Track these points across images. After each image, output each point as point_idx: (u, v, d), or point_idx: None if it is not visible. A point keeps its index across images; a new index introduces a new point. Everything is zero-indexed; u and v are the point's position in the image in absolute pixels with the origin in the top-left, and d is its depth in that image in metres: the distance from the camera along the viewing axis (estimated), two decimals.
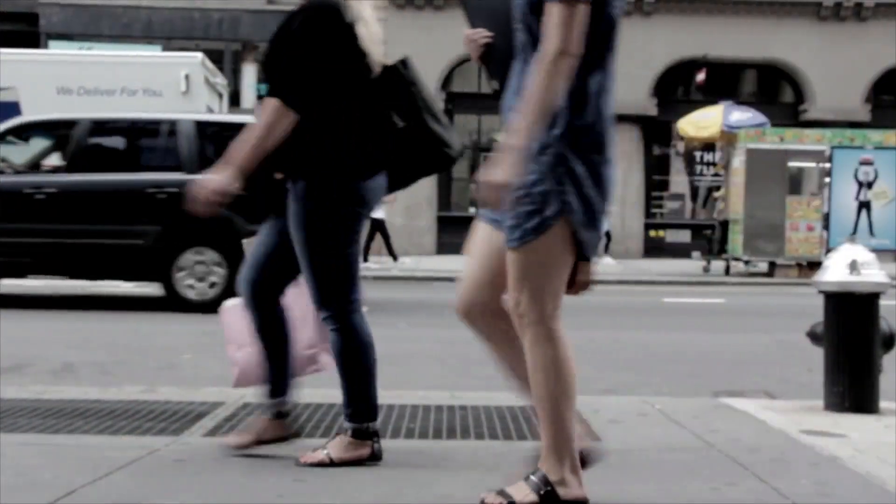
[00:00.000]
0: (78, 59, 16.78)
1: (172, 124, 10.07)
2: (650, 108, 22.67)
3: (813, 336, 4.60)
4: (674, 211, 23.72)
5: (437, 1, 22.28)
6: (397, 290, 13.25)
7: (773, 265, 16.84)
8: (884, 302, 4.51)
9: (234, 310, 3.68)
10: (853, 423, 4.18)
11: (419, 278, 16.11)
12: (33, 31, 22.20)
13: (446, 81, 22.78)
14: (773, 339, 8.24)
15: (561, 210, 2.73)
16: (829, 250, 13.24)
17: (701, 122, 18.62)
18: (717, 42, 22.34)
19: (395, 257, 18.36)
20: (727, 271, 17.32)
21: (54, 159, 11.00)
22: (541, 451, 2.85)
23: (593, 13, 2.70)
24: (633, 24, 22.58)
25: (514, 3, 2.83)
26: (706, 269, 17.67)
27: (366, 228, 4.12)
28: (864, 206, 16.75)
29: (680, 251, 22.17)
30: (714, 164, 22.44)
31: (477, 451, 3.66)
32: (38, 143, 11.13)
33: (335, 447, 3.38)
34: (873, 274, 4.40)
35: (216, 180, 3.29)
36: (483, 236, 3.03)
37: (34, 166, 10.72)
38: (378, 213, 18.63)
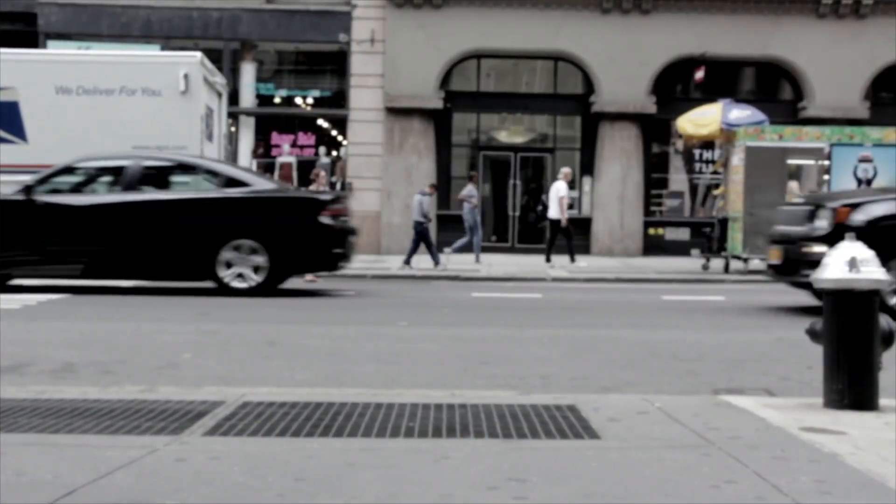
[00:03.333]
0: (77, 58, 16.75)
1: None
2: (649, 107, 22.68)
3: (812, 333, 4.60)
4: (673, 209, 23.75)
5: (435, 0, 22.27)
6: (397, 288, 13.25)
7: None
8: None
9: None
10: (853, 420, 4.18)
11: (419, 277, 16.13)
12: (32, 31, 22.19)
13: (445, 80, 22.76)
14: (773, 336, 8.24)
15: None
16: None
17: (700, 120, 18.61)
18: (716, 40, 22.33)
19: (572, 258, 18.46)
20: (726, 269, 17.32)
21: None
22: None
23: None
24: (632, 22, 22.60)
25: None
26: (705, 267, 17.67)
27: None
28: None
29: (679, 249, 22.20)
30: (713, 162, 22.44)
31: (477, 449, 3.66)
32: None
33: None
34: (872, 271, 4.40)
35: None
36: None
37: None
38: (553, 214, 18.73)
